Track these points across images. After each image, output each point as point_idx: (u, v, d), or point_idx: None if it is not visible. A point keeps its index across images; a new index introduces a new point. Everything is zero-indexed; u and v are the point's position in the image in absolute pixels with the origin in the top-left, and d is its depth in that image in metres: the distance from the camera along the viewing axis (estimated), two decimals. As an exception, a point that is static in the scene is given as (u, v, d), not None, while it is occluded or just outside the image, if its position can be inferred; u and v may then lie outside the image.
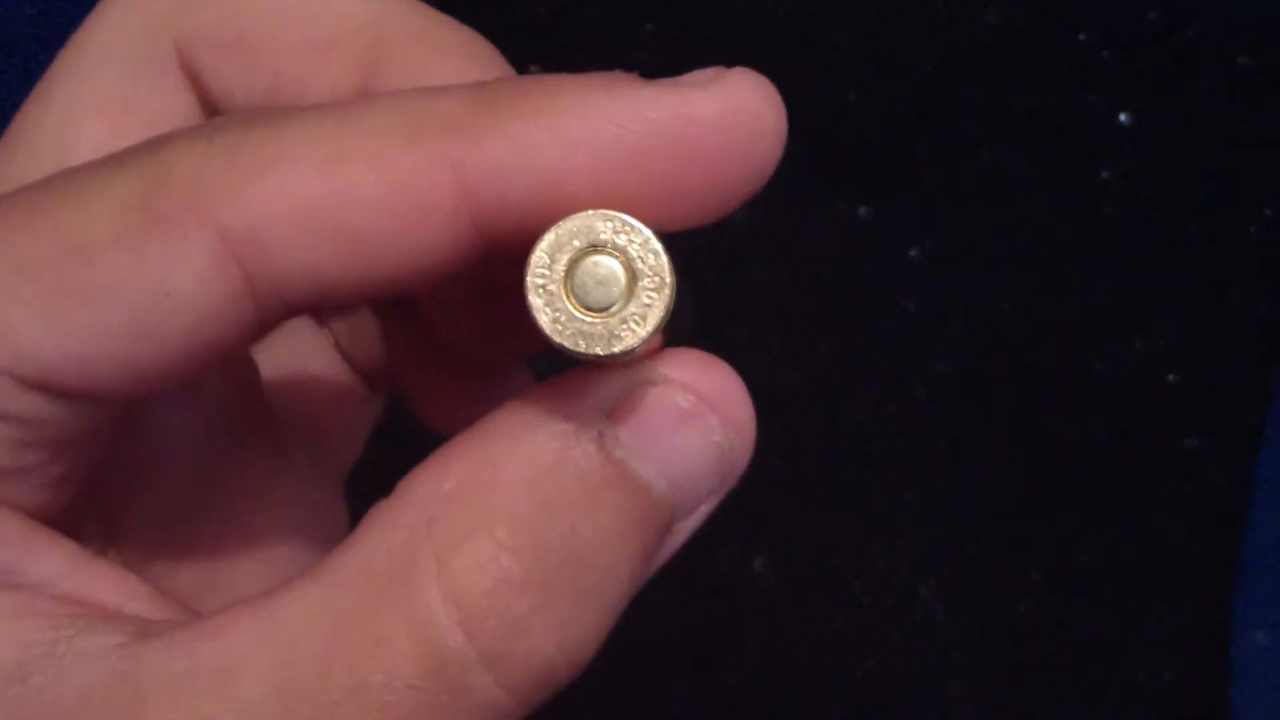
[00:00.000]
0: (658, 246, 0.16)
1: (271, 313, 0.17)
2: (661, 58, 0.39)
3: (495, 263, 0.17)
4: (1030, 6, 0.40)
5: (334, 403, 0.25)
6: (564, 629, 0.17)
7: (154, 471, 0.22)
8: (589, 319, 0.16)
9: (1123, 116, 0.39)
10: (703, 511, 0.18)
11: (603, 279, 0.16)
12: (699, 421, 0.18)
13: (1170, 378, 0.38)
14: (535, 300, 0.16)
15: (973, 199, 0.39)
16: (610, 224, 0.16)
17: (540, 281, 0.16)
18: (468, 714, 0.17)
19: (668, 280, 0.16)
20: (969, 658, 0.37)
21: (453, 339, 0.24)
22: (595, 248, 0.16)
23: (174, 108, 0.21)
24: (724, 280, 0.39)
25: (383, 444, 0.27)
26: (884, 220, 0.39)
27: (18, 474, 0.18)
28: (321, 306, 0.19)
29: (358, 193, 0.17)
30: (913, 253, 0.39)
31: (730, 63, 0.18)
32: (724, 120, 0.17)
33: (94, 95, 0.21)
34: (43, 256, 0.17)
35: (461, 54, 0.21)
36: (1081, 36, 0.39)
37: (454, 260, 0.17)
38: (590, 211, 0.16)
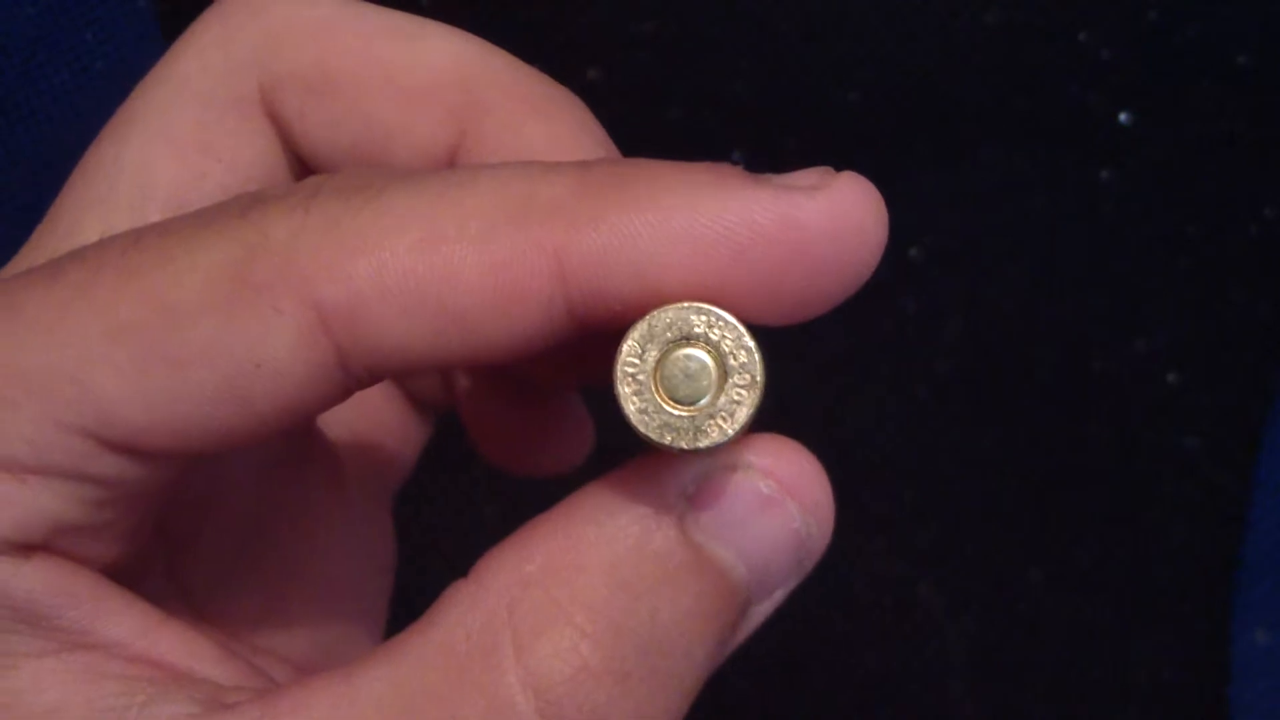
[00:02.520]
0: (751, 344, 0.16)
1: (358, 382, 0.17)
2: (661, 58, 0.39)
3: (586, 338, 0.17)
4: (1030, 6, 0.40)
5: (388, 425, 0.25)
6: (640, 716, 0.17)
7: (218, 508, 0.22)
8: (676, 412, 0.16)
9: (1123, 116, 0.39)
10: (778, 596, 0.18)
11: (693, 373, 0.16)
12: (779, 508, 0.18)
13: (1170, 378, 0.38)
14: (623, 390, 0.16)
15: (973, 199, 0.39)
16: (704, 318, 0.16)
17: (630, 371, 0.16)
18: None
19: (759, 379, 0.16)
20: (969, 658, 0.37)
21: (514, 370, 0.23)
22: (687, 340, 0.16)
23: (256, 150, 0.21)
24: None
25: (425, 460, 0.27)
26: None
27: (94, 531, 0.18)
28: (409, 376, 0.18)
29: (457, 274, 0.16)
30: (913, 253, 0.39)
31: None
32: (831, 228, 0.17)
33: (174, 133, 0.20)
34: (134, 320, 0.17)
35: (556, 115, 0.21)
36: (1081, 36, 0.39)
37: (546, 339, 0.17)
38: (685, 304, 0.16)
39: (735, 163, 0.18)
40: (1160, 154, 0.39)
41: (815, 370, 0.39)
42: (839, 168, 0.18)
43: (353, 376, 0.17)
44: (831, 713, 0.37)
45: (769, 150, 0.39)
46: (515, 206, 0.17)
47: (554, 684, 0.16)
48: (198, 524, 0.22)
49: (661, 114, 0.39)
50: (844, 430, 0.38)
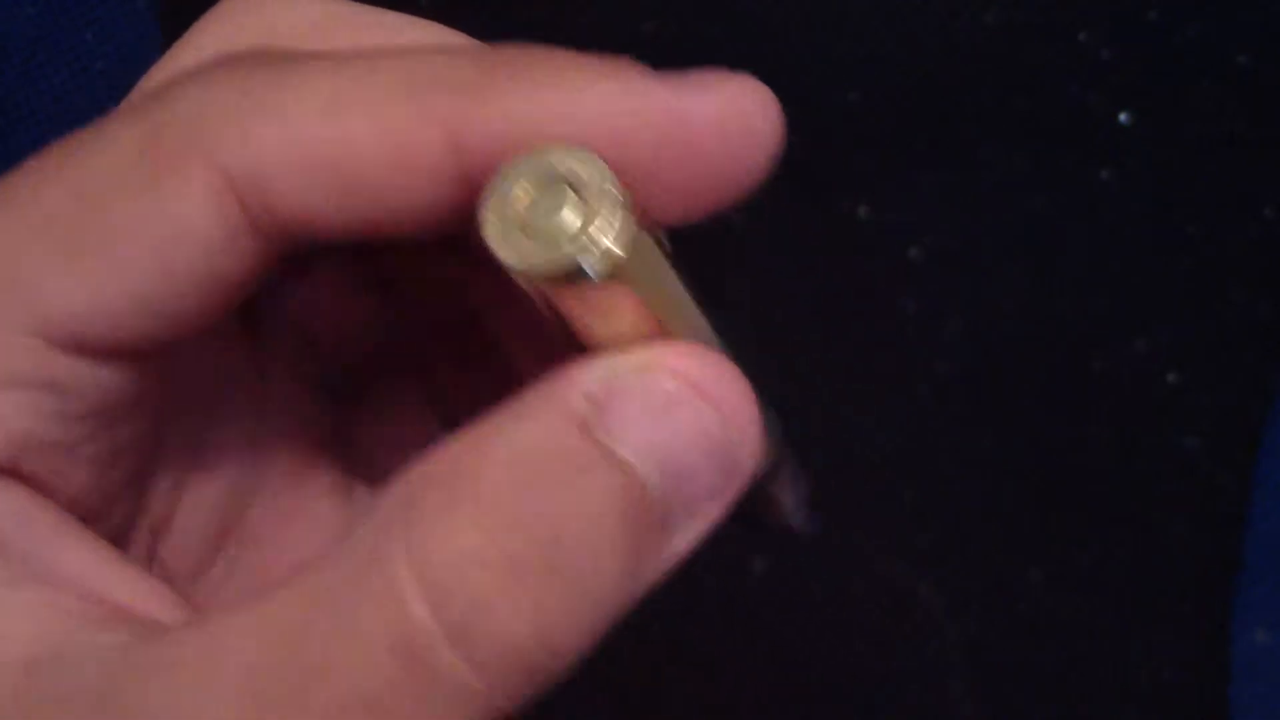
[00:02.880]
0: (613, 175, 0.16)
1: (273, 246, 0.18)
2: (661, 58, 0.39)
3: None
4: (1030, 6, 0.40)
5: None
6: (538, 612, 0.16)
7: (197, 486, 0.22)
8: (546, 245, 0.16)
9: (1123, 116, 0.39)
10: (709, 514, 0.17)
11: (557, 206, 0.16)
12: (688, 408, 0.17)
13: (1170, 378, 0.38)
14: (490, 229, 0.16)
15: (973, 199, 0.39)
16: (568, 155, 0.16)
17: (495, 206, 0.16)
18: (435, 694, 0.16)
19: (620, 200, 0.16)
20: (969, 658, 0.37)
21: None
22: (554, 179, 0.16)
23: None
24: (724, 280, 0.39)
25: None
26: (884, 220, 0.39)
27: (58, 450, 0.18)
28: (318, 243, 0.19)
29: (355, 141, 0.17)
30: (913, 253, 0.39)
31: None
32: (720, 124, 0.17)
33: None
34: (56, 210, 0.17)
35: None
36: (1081, 36, 0.39)
37: (442, 211, 0.17)
38: (549, 145, 0.16)
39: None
40: (1160, 154, 0.39)
41: (815, 370, 0.39)
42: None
43: (270, 244, 0.18)
44: (831, 713, 0.37)
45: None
46: (417, 82, 0.17)
47: (440, 572, 0.16)
48: (175, 504, 0.22)
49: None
50: (844, 430, 0.38)
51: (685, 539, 0.17)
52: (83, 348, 0.18)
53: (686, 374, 0.17)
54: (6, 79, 0.41)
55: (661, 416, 0.17)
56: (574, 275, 0.16)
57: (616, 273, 0.16)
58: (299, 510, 0.24)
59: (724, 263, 0.39)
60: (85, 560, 0.18)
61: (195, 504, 0.22)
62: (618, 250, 0.16)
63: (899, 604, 0.37)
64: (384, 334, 0.24)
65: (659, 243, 0.18)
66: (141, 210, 0.17)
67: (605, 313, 0.17)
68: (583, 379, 0.17)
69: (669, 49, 0.39)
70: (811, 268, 0.39)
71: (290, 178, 0.17)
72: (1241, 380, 0.38)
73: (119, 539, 0.20)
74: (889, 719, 0.37)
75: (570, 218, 0.16)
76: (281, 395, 0.24)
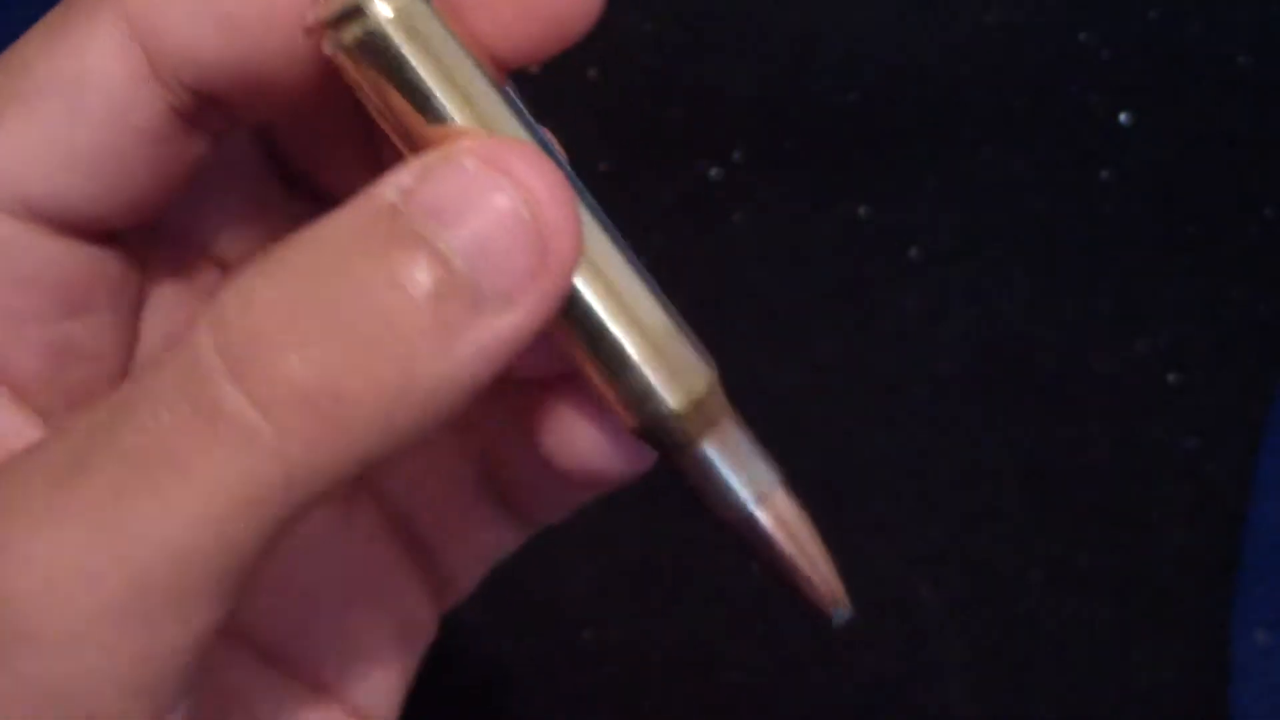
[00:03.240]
0: None
1: (178, 99, 0.19)
2: (661, 58, 0.39)
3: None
4: (1030, 6, 0.40)
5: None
6: (322, 357, 0.17)
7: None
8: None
9: (1123, 116, 0.39)
10: (530, 299, 0.18)
11: None
12: (489, 186, 0.17)
13: (1170, 378, 0.38)
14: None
15: (973, 199, 0.39)
16: None
17: None
18: (221, 433, 0.17)
19: None
20: (969, 658, 0.37)
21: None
22: None
23: None
24: (724, 280, 0.39)
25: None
26: (884, 220, 0.39)
27: (12, 320, 0.20)
28: (214, 93, 0.20)
29: None
30: (913, 253, 0.39)
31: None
32: None
33: None
34: None
35: None
36: (1081, 36, 0.39)
37: (312, 64, 0.19)
38: None
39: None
40: (1160, 154, 0.39)
41: (815, 370, 0.39)
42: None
43: (171, 91, 0.19)
44: (831, 713, 0.37)
45: (769, 150, 0.39)
46: None
47: (230, 313, 0.17)
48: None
49: (661, 114, 0.39)
50: (844, 430, 0.38)
51: (506, 322, 0.17)
52: (29, 208, 0.19)
53: (488, 156, 0.18)
54: (6, 79, 0.41)
55: (463, 196, 0.17)
56: (352, 13, 0.18)
57: (397, 21, 0.18)
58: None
59: (724, 262, 0.39)
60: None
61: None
62: None
63: (899, 604, 0.37)
64: None
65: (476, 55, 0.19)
66: (54, 62, 0.19)
67: (407, 87, 0.18)
68: (395, 174, 0.18)
69: (669, 49, 0.39)
70: (811, 268, 0.39)
71: (179, 17, 0.19)
72: (1241, 380, 0.38)
73: None
74: (889, 719, 0.37)
75: None
76: None
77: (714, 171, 0.39)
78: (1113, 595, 0.37)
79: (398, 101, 0.18)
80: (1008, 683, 0.37)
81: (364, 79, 0.18)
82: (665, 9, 0.39)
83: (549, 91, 0.40)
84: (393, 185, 0.18)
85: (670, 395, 0.19)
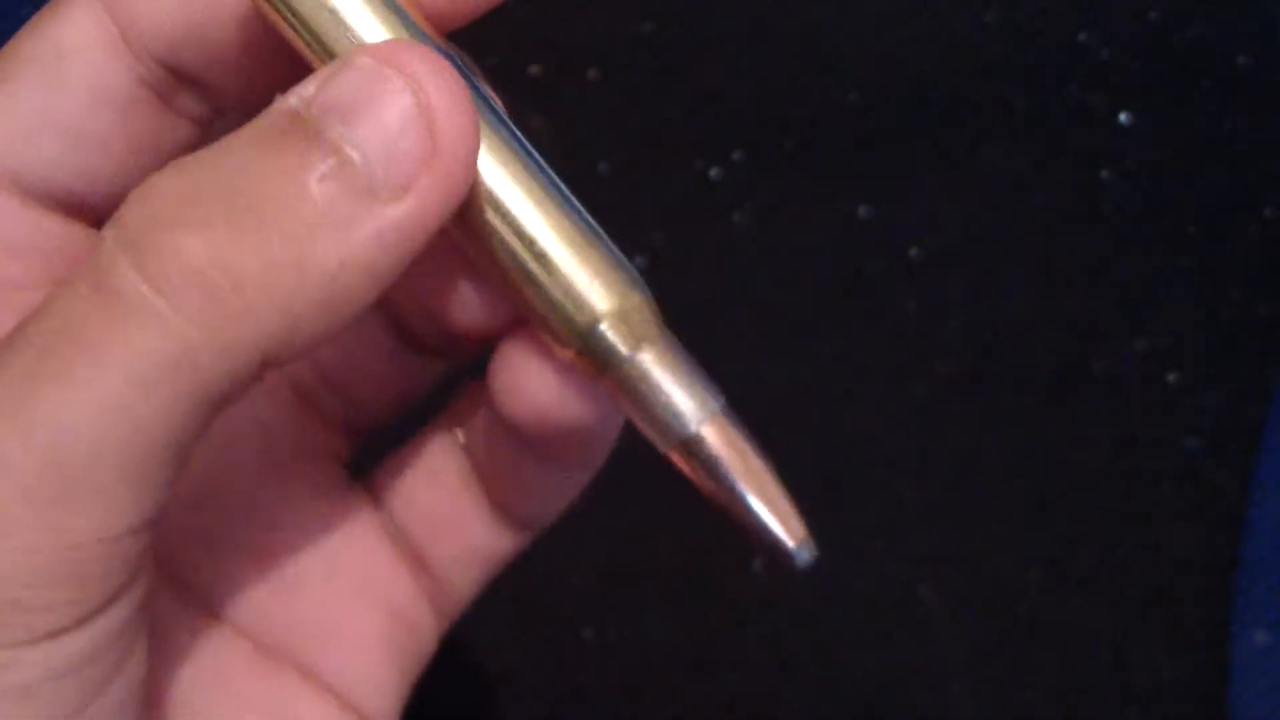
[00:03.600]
0: None
1: (150, 71, 0.21)
2: (661, 58, 0.39)
3: None
4: (1030, 6, 0.40)
5: (367, 364, 0.25)
6: (218, 239, 0.17)
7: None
8: None
9: (1123, 116, 0.39)
10: (426, 187, 0.18)
11: None
12: (379, 78, 0.18)
13: (1170, 378, 0.38)
14: None
15: (973, 199, 0.39)
16: None
17: None
18: (119, 311, 0.17)
19: None
20: (969, 658, 0.37)
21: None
22: None
23: None
24: (724, 280, 0.39)
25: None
26: (884, 220, 0.39)
27: None
28: (182, 66, 0.21)
29: None
30: (913, 253, 0.39)
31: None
32: None
33: None
34: None
35: None
36: (1081, 36, 0.39)
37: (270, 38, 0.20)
38: None
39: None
40: (1160, 154, 0.39)
41: (815, 370, 0.39)
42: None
43: (143, 64, 0.21)
44: (831, 713, 0.37)
45: (769, 150, 0.39)
46: None
47: (131, 204, 0.18)
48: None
49: (661, 114, 0.39)
50: (844, 430, 0.38)
51: (401, 210, 0.18)
52: (12, 179, 0.20)
53: (382, 56, 0.18)
54: (6, 79, 0.41)
55: (357, 92, 0.18)
56: None
57: None
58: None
59: (724, 262, 0.39)
60: None
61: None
62: None
63: (899, 604, 0.37)
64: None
65: None
66: (35, 41, 0.21)
67: (311, 19, 0.19)
68: (300, 85, 0.19)
69: (669, 49, 0.39)
70: (811, 268, 0.39)
71: None
72: (1241, 380, 0.38)
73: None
74: (889, 719, 0.37)
75: None
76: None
77: (714, 171, 0.39)
78: (1113, 595, 0.37)
79: (307, 34, 0.19)
80: (1008, 683, 0.37)
81: (281, 20, 0.19)
82: (665, 9, 0.39)
83: (549, 91, 0.40)
84: (295, 93, 0.18)
85: (599, 299, 0.19)
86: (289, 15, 0.19)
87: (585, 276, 0.19)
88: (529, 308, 0.20)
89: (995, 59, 0.39)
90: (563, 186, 0.20)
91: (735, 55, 0.39)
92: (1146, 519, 0.38)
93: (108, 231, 0.18)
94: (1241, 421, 0.38)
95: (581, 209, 0.20)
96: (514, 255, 0.19)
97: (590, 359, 0.20)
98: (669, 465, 0.21)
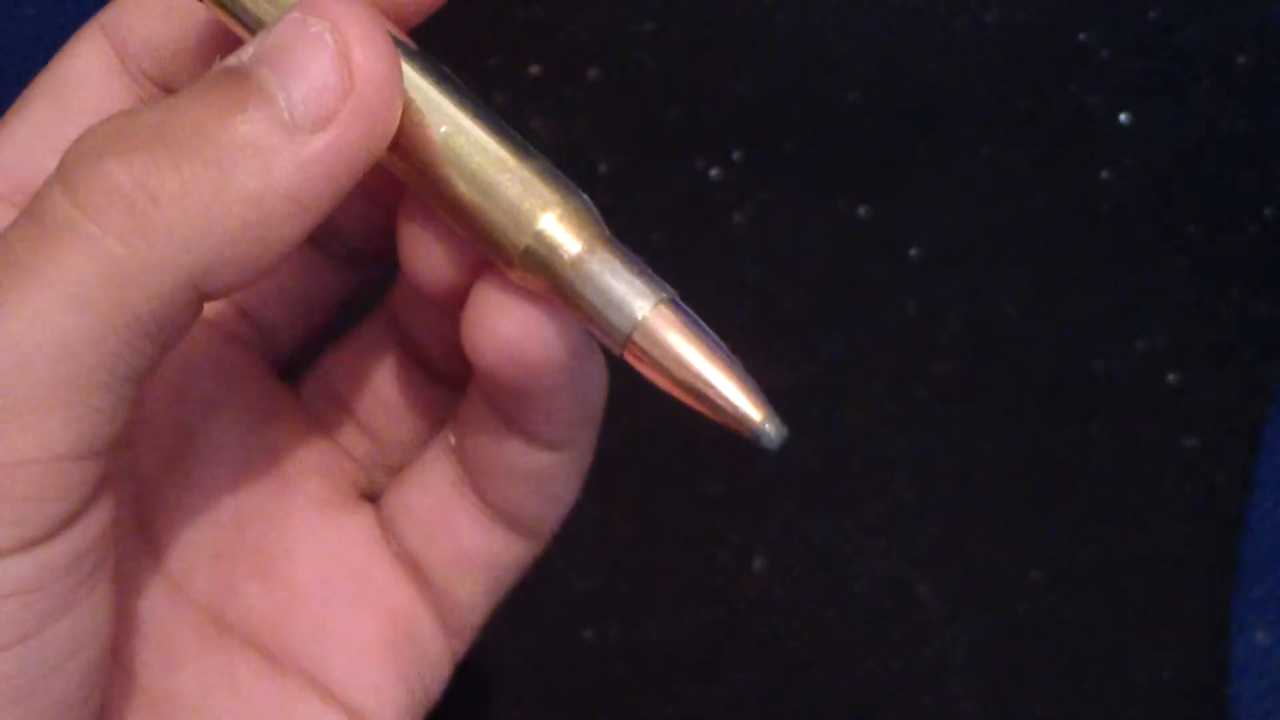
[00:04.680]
0: None
1: (145, 91, 0.23)
2: (661, 58, 0.39)
3: None
4: (1030, 6, 0.40)
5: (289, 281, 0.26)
6: (141, 162, 0.19)
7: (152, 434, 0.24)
8: None
9: (1123, 116, 0.39)
10: (346, 120, 0.19)
11: None
12: (300, 25, 0.20)
13: (1170, 378, 0.38)
14: None
15: (973, 199, 0.39)
16: None
17: None
18: (48, 232, 0.19)
19: None
20: (969, 658, 0.37)
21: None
22: None
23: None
24: (723, 280, 0.39)
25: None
26: (884, 220, 0.39)
27: None
28: (172, 83, 0.23)
29: None
30: (913, 253, 0.39)
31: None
32: None
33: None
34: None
35: None
36: (1081, 36, 0.39)
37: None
38: None
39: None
40: (1160, 154, 0.39)
41: (815, 370, 0.39)
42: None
43: (139, 84, 0.24)
44: (831, 713, 0.37)
45: (769, 150, 0.39)
46: None
47: (67, 153, 0.19)
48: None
49: (661, 114, 0.39)
50: (844, 430, 0.38)
51: (321, 140, 0.19)
52: (27, 197, 0.21)
53: (306, 6, 0.20)
54: (7, 79, 0.41)
55: (282, 37, 0.20)
56: None
57: None
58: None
59: (724, 262, 0.39)
60: None
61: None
62: None
63: (899, 604, 0.37)
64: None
65: None
66: (47, 73, 0.23)
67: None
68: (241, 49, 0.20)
69: (669, 49, 0.39)
70: (811, 268, 0.39)
71: (133, 10, 0.23)
72: (1241, 380, 0.38)
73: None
74: (889, 719, 0.37)
75: None
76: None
77: (714, 171, 0.39)
78: (1113, 595, 0.37)
79: (255, 28, 0.21)
80: (1008, 683, 0.37)
81: (235, 22, 0.21)
82: (665, 9, 0.39)
83: (549, 91, 0.40)
84: (235, 54, 0.20)
85: (538, 206, 0.20)
86: (241, 15, 0.21)
87: (520, 189, 0.20)
88: (478, 232, 0.20)
89: (995, 59, 0.39)
90: (495, 116, 0.21)
91: (735, 55, 0.39)
92: (1146, 519, 0.38)
93: (53, 170, 0.19)
94: (1241, 421, 0.38)
95: (517, 135, 0.21)
96: (452, 181, 0.20)
97: (539, 274, 0.20)
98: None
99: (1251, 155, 0.39)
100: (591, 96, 0.39)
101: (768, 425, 0.19)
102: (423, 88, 0.20)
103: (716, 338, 0.20)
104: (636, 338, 0.20)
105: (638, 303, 0.20)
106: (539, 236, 0.20)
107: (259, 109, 0.19)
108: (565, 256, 0.20)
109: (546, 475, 0.24)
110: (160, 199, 0.19)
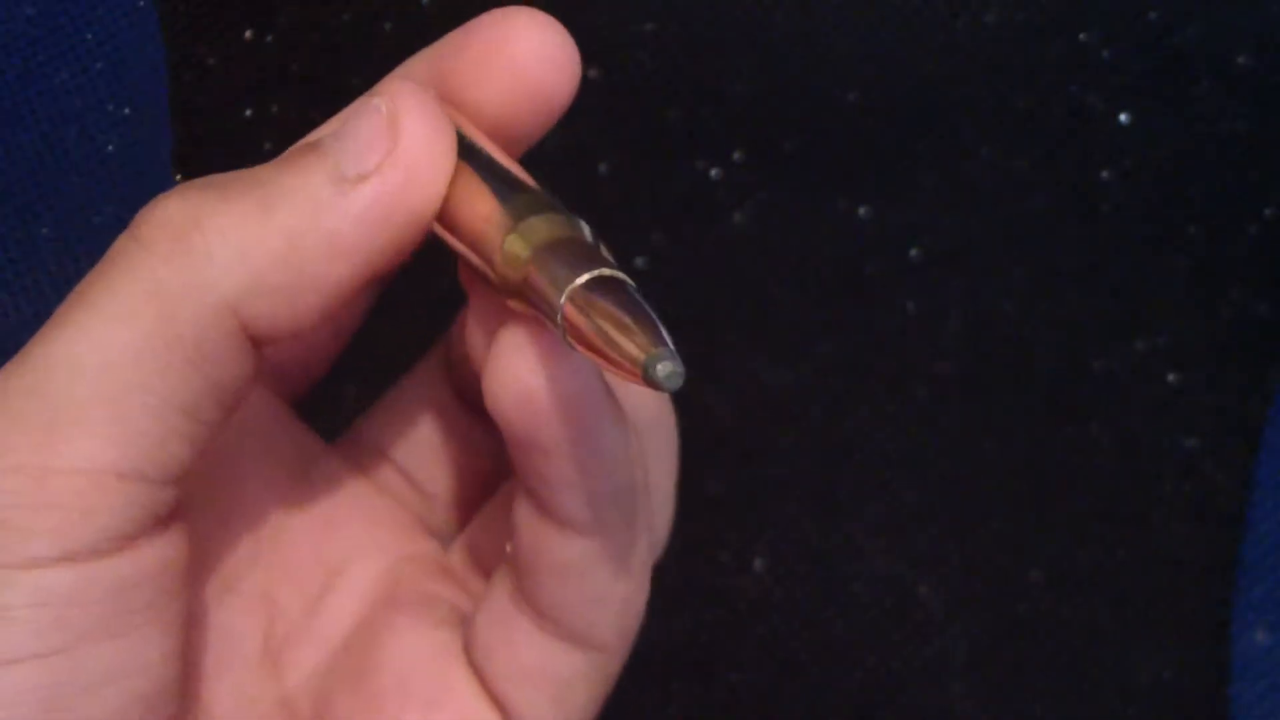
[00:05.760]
0: None
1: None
2: (661, 58, 0.39)
3: None
4: (1030, 6, 0.40)
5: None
6: (191, 197, 0.20)
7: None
8: None
9: (1123, 116, 0.39)
10: (387, 171, 0.21)
11: None
12: (366, 101, 0.21)
13: (1170, 378, 0.38)
14: None
15: (973, 199, 0.39)
16: None
17: None
18: (105, 266, 0.20)
19: None
20: (969, 658, 0.37)
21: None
22: None
23: None
24: (723, 280, 0.39)
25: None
26: (884, 220, 0.39)
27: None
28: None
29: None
30: (913, 253, 0.39)
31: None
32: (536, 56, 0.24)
33: None
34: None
35: None
36: (1081, 36, 0.39)
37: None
38: None
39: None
40: (1160, 154, 0.39)
41: (815, 370, 0.39)
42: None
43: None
44: (831, 713, 0.37)
45: (769, 150, 0.39)
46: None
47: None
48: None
49: (661, 114, 0.39)
50: (844, 430, 0.38)
51: (365, 189, 0.21)
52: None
53: (385, 89, 0.22)
54: (7, 79, 0.41)
55: (349, 114, 0.21)
56: None
57: None
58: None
59: (724, 262, 0.39)
60: None
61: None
62: None
63: (899, 604, 0.37)
64: None
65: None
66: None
67: None
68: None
69: (669, 49, 0.39)
70: (811, 268, 0.39)
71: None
72: (1241, 380, 0.38)
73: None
74: (889, 719, 0.37)
75: None
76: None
77: (714, 171, 0.39)
78: (1113, 595, 0.37)
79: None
80: (1008, 683, 0.37)
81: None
82: (665, 9, 0.39)
83: (549, 91, 0.40)
84: (316, 130, 0.21)
85: (519, 217, 0.21)
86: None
87: (514, 208, 0.21)
88: (483, 260, 0.21)
89: (995, 59, 0.39)
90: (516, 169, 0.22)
91: (735, 55, 0.39)
92: (1146, 519, 0.38)
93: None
94: (1241, 421, 0.38)
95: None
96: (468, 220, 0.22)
97: (516, 280, 0.21)
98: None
99: (1251, 155, 0.39)
100: (591, 96, 0.39)
101: (652, 357, 0.18)
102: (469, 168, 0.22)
103: (646, 310, 0.19)
104: (567, 312, 0.19)
105: (566, 282, 0.20)
106: (509, 242, 0.21)
107: (313, 163, 0.21)
108: (524, 255, 0.20)
109: (582, 568, 0.23)
110: (205, 226, 0.20)
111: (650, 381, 0.18)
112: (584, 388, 0.21)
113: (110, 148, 0.41)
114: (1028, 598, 0.37)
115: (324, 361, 0.28)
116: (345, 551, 0.26)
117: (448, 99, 0.23)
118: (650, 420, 0.25)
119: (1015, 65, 0.39)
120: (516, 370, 0.21)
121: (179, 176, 0.40)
